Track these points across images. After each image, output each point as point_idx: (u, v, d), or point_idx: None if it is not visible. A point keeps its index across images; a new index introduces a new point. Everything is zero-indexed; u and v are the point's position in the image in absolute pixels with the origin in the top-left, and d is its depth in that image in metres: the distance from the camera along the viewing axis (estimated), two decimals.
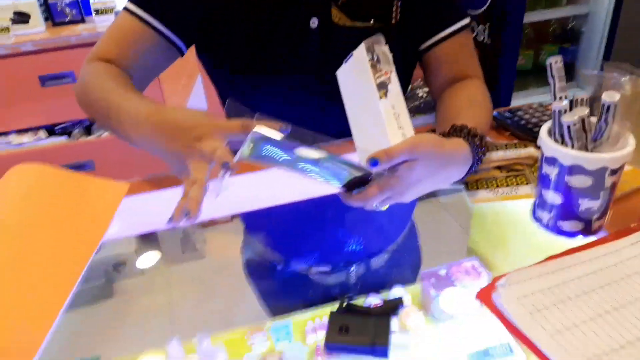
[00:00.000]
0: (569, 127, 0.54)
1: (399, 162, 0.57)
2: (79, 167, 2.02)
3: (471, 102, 0.77)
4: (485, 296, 0.53)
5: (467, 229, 1.09)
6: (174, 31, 0.75)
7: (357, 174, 0.59)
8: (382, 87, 0.59)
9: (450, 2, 0.80)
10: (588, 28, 2.47)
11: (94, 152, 2.04)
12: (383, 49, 0.60)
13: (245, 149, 0.53)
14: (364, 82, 0.60)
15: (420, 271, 1.11)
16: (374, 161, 0.56)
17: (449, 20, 0.80)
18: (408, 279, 1.08)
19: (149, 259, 2.38)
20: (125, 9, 0.75)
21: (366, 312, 0.55)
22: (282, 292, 1.02)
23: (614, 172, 0.55)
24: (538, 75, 2.65)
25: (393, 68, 0.60)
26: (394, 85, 0.60)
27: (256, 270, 1.06)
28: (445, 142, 0.61)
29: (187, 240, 2.40)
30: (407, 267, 1.08)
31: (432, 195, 0.65)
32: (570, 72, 2.69)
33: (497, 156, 0.74)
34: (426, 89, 2.52)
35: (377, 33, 0.61)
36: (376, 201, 0.61)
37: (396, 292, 0.98)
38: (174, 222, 0.51)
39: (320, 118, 0.72)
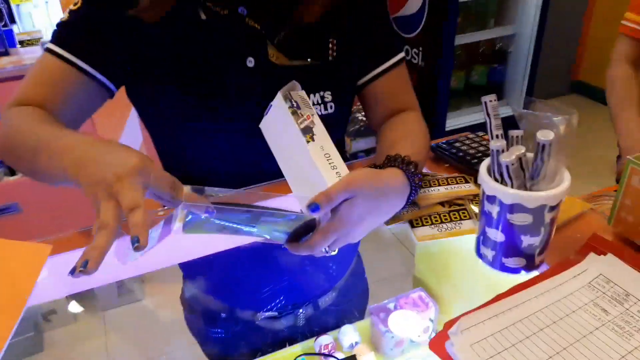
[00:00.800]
0: (507, 167, 0.54)
1: (339, 202, 0.56)
2: (2, 210, 1.89)
3: (406, 134, 0.77)
4: (437, 345, 0.51)
5: (411, 261, 1.09)
6: (101, 72, 0.71)
7: (298, 224, 0.57)
8: (307, 131, 0.59)
9: (385, 39, 0.80)
10: (515, 48, 2.59)
11: (19, 194, 1.91)
12: (300, 94, 0.61)
13: (177, 227, 0.51)
14: (289, 129, 0.60)
15: (369, 305, 1.10)
16: (314, 206, 0.54)
17: (385, 56, 0.80)
18: (357, 314, 1.06)
19: (80, 304, 2.23)
20: (48, 49, 0.70)
21: None
22: (227, 341, 0.97)
23: (552, 208, 0.56)
24: (469, 95, 2.75)
25: (314, 111, 0.61)
26: (319, 127, 0.60)
27: (198, 320, 1.00)
28: (380, 173, 0.61)
29: (122, 283, 2.27)
30: (355, 303, 1.06)
31: (375, 229, 0.64)
32: (499, 91, 2.81)
33: (439, 192, 0.73)
34: None
35: (293, 81, 0.61)
36: (323, 246, 0.59)
37: (346, 330, 0.96)
38: (75, 274, 0.45)
39: (259, 159, 0.70)
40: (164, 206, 0.71)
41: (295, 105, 0.60)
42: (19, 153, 0.64)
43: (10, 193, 1.90)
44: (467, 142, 0.86)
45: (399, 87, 0.83)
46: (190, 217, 0.52)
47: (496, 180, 0.57)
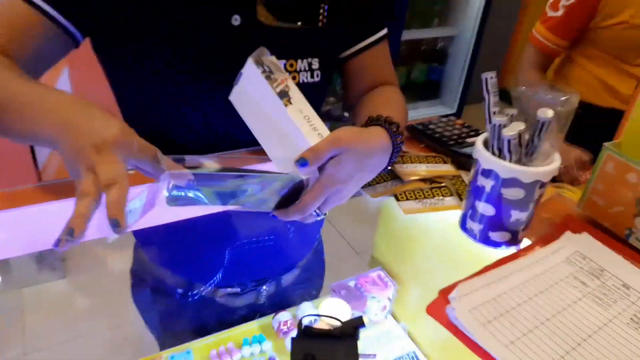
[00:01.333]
0: (509, 141, 0.56)
1: (327, 159, 0.55)
2: None
3: (386, 101, 0.78)
4: (435, 311, 0.52)
5: (370, 240, 1.10)
6: (71, 20, 0.64)
7: (286, 186, 0.55)
8: (284, 95, 0.58)
9: (374, 11, 0.80)
10: (454, 49, 2.70)
11: None
12: (271, 59, 0.60)
13: (160, 199, 0.49)
14: (264, 96, 0.58)
15: (325, 284, 1.09)
16: (302, 161, 0.53)
17: (373, 29, 0.80)
18: (314, 293, 1.05)
19: None
20: None
21: (328, 335, 0.50)
22: (182, 317, 0.92)
23: (543, 185, 0.59)
24: (410, 91, 2.83)
25: (287, 75, 0.59)
26: (295, 91, 0.59)
27: (149, 294, 0.93)
28: (364, 131, 0.62)
29: (42, 257, 2.09)
30: (313, 281, 1.05)
31: (340, 206, 0.64)
32: (436, 90, 2.92)
33: (421, 169, 0.75)
34: None
35: (261, 47, 0.60)
36: (314, 207, 0.58)
37: (305, 308, 0.95)
38: (60, 245, 0.42)
39: (236, 123, 0.67)
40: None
41: (268, 70, 0.58)
42: None
43: None
44: (441, 125, 0.88)
45: (382, 61, 0.83)
46: (173, 188, 0.49)
47: (494, 154, 0.59)
